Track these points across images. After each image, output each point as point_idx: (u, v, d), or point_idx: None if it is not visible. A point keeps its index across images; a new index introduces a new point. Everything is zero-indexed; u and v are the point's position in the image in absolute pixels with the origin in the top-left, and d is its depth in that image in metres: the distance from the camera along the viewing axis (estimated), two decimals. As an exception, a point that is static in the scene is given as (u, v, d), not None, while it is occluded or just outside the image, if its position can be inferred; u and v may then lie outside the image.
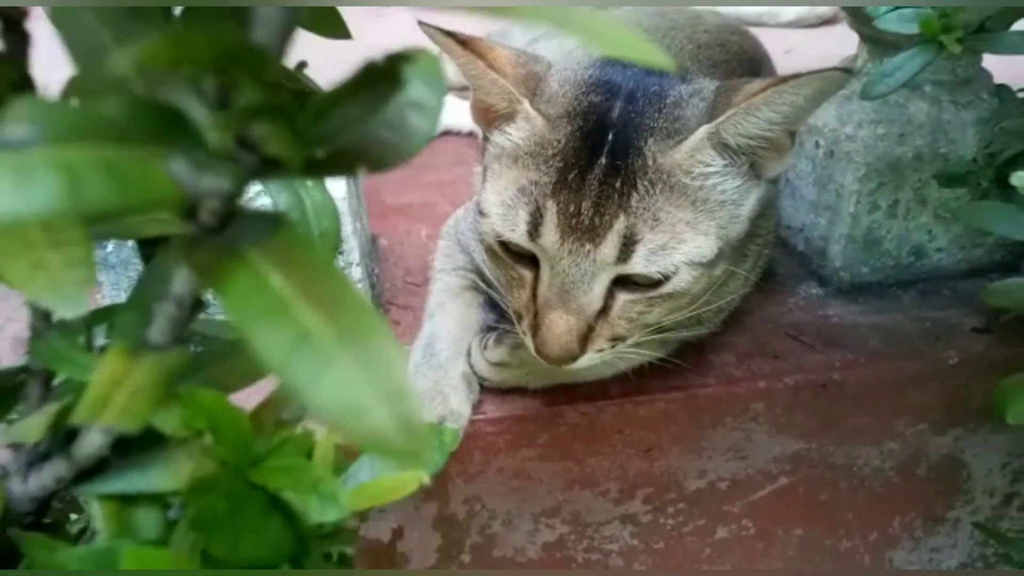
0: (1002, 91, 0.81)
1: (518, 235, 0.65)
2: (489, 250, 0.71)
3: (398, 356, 0.17)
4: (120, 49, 0.15)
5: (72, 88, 0.21)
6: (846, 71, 0.54)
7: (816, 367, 0.85)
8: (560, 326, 0.65)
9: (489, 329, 0.84)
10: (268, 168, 0.18)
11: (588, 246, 0.63)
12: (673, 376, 0.83)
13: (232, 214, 0.19)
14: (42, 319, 0.28)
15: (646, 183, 0.62)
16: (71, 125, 0.15)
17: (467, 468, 0.83)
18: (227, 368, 0.28)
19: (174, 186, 0.16)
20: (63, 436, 0.27)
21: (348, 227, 0.82)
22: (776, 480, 0.90)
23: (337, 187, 0.80)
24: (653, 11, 1.09)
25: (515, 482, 0.85)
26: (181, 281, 0.22)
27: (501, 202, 0.66)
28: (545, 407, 0.81)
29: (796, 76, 0.58)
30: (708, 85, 0.67)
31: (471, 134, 1.33)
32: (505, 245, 0.68)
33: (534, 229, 0.64)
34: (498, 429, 0.82)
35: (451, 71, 0.68)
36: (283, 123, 0.17)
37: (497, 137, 0.69)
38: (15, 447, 0.29)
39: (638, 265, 0.62)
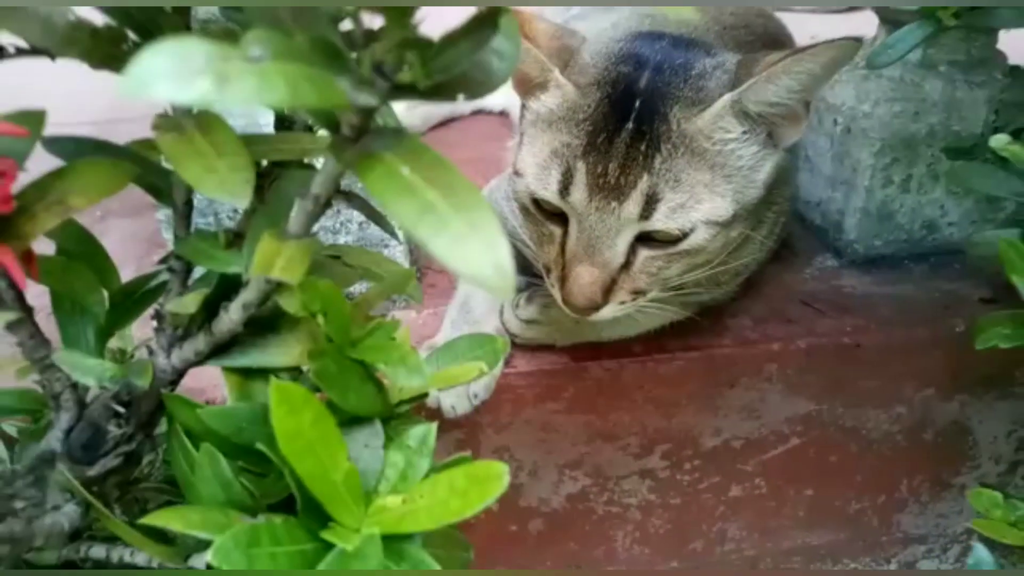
0: (1016, 71, 0.88)
1: (550, 193, 0.73)
2: (523, 208, 0.78)
3: (494, 220, 0.25)
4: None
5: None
6: (857, 40, 0.61)
7: (828, 331, 0.93)
8: (585, 278, 0.72)
9: (520, 291, 0.92)
10: (399, 91, 0.26)
11: (614, 204, 0.70)
12: (692, 336, 0.91)
13: (365, 128, 0.27)
14: (184, 227, 0.36)
15: (669, 147, 0.70)
16: (284, 50, 0.23)
17: (498, 419, 0.91)
18: (332, 273, 0.36)
19: (344, 97, 0.24)
20: (203, 318, 0.36)
21: (391, 191, 0.90)
22: (788, 441, 0.98)
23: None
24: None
25: (541, 434, 0.92)
26: (319, 183, 0.30)
27: (536, 163, 0.74)
28: (571, 363, 0.89)
29: (813, 46, 0.66)
30: (731, 58, 0.75)
31: (503, 113, 1.41)
32: (538, 203, 0.75)
33: (565, 188, 0.72)
34: (527, 382, 0.89)
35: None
36: (414, 58, 0.25)
37: (533, 104, 0.77)
38: (159, 331, 0.37)
39: (659, 222, 0.70)
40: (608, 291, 0.73)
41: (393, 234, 0.44)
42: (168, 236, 0.90)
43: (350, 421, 0.35)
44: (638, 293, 0.75)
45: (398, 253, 0.94)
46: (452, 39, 0.26)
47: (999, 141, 0.56)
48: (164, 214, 0.79)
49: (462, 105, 1.38)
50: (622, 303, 0.75)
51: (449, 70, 0.26)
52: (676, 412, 0.94)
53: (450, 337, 0.86)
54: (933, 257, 1.01)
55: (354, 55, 0.26)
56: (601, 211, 0.71)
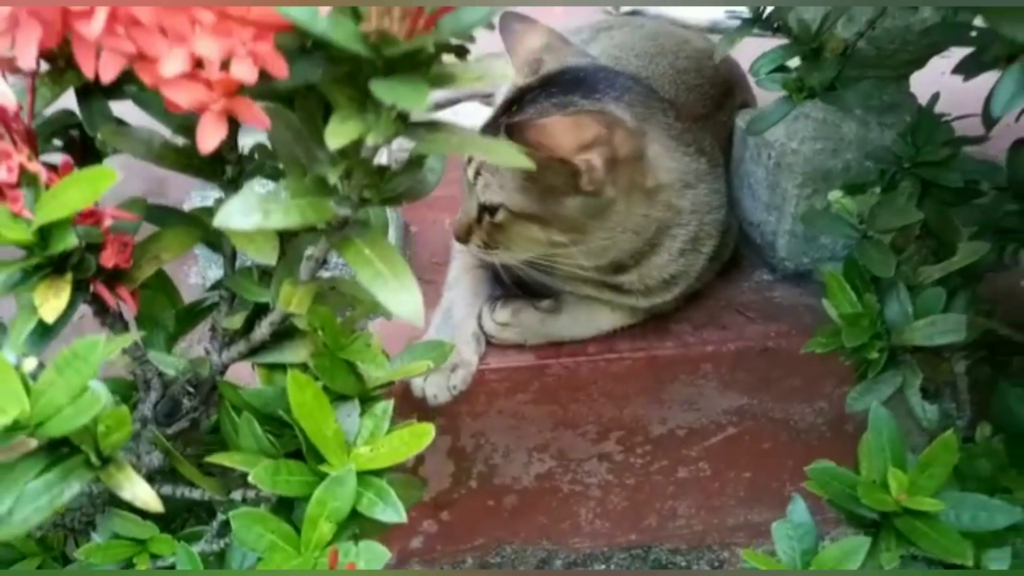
0: (920, 112, 1.08)
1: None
2: None
3: (413, 280, 0.45)
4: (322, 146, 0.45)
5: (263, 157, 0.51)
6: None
7: (755, 336, 1.13)
8: (460, 218, 1.01)
9: (495, 298, 1.14)
10: (364, 202, 0.47)
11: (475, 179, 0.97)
12: (639, 339, 1.12)
13: (346, 222, 0.48)
14: (231, 268, 0.58)
15: None
16: (298, 188, 0.44)
17: (474, 408, 1.12)
18: (328, 300, 0.57)
19: (332, 212, 0.45)
20: (243, 329, 0.57)
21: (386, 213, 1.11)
22: (725, 429, 1.19)
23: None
24: (646, 36, 1.37)
25: (512, 421, 1.14)
26: (318, 250, 0.51)
27: None
28: (536, 360, 1.10)
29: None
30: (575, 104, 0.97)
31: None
32: None
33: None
34: (499, 377, 1.11)
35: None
36: (373, 186, 0.46)
37: None
38: (213, 338, 0.59)
39: (478, 193, 0.96)
40: (468, 232, 1.00)
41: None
42: (198, 252, 1.11)
43: (338, 398, 0.56)
44: (488, 245, 1.00)
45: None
46: (398, 172, 0.47)
47: (833, 195, 0.76)
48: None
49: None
50: (478, 245, 1.01)
51: (395, 190, 0.47)
52: (627, 404, 1.15)
53: (435, 338, 1.08)
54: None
55: (337, 182, 0.47)
56: (471, 185, 0.98)
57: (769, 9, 0.82)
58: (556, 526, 1.26)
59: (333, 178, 0.42)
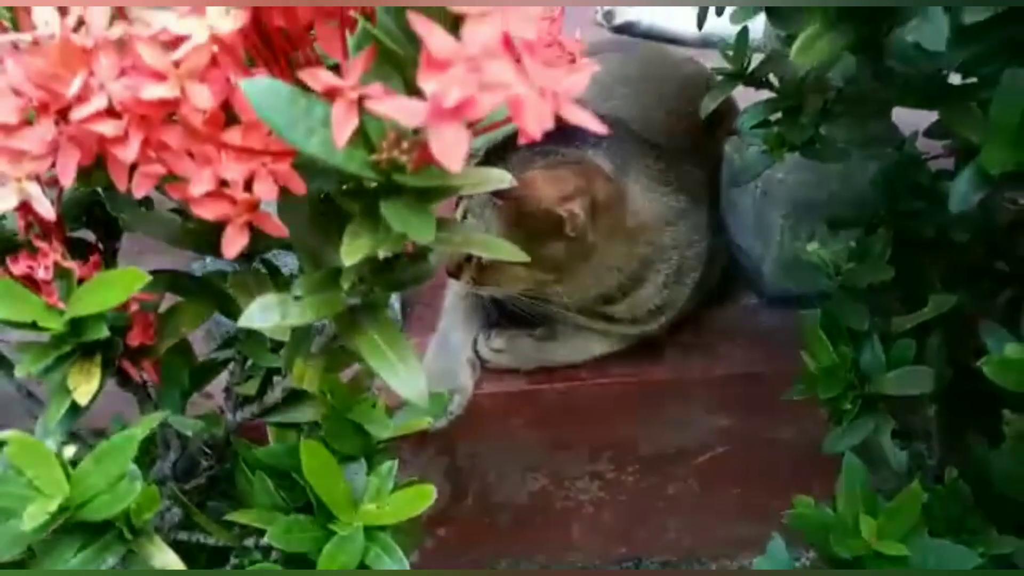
0: (901, 147, 1.13)
1: None
2: None
3: (417, 362, 0.50)
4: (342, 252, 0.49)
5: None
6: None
7: (742, 361, 1.18)
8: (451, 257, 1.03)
9: (492, 324, 1.18)
10: (371, 292, 0.52)
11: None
12: (629, 365, 1.17)
13: (356, 310, 0.53)
14: (247, 333, 0.62)
15: None
16: (312, 286, 0.48)
17: (470, 431, 1.17)
18: (336, 361, 0.62)
19: (343, 305, 0.50)
20: (259, 391, 0.62)
21: (384, 245, 1.16)
22: (714, 449, 1.24)
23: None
24: (635, 62, 1.41)
25: (506, 443, 1.19)
26: (325, 335, 0.56)
27: None
28: (529, 386, 1.16)
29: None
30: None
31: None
32: None
33: None
34: (494, 402, 1.16)
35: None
36: (382, 280, 0.51)
37: None
38: (228, 398, 0.64)
39: None
40: (459, 269, 1.04)
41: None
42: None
43: (346, 458, 0.61)
44: (477, 282, 1.04)
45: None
46: (405, 263, 0.51)
47: (811, 247, 0.81)
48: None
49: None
50: (467, 282, 1.05)
51: (401, 278, 0.52)
52: (617, 425, 1.20)
53: (433, 364, 1.13)
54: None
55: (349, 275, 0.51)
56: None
57: (753, 64, 0.86)
58: (549, 541, 1.31)
59: (347, 284, 0.47)
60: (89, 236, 0.63)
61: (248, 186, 0.45)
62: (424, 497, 0.58)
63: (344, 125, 0.40)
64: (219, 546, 0.66)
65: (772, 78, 0.86)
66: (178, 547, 0.62)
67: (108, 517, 0.45)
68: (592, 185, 0.95)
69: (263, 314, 0.46)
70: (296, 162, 0.45)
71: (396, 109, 0.35)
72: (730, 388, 1.19)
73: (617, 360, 1.17)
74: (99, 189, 0.60)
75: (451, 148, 0.34)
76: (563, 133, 1.04)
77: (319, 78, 0.40)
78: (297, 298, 0.48)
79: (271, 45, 0.46)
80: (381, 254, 0.44)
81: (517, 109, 0.35)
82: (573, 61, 0.66)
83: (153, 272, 0.59)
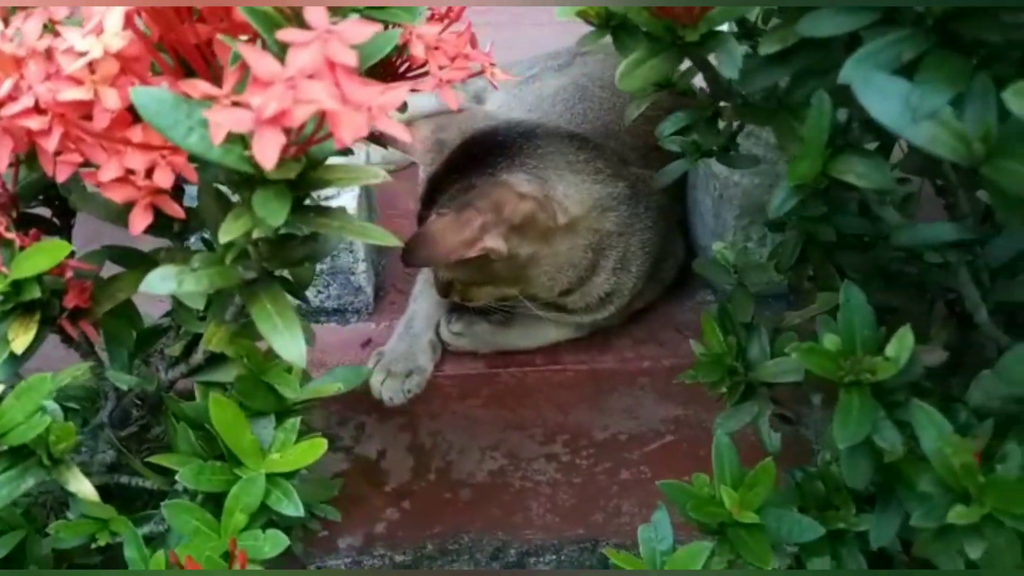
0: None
1: None
2: None
3: (298, 328, 0.60)
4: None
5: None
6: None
7: (689, 353, 1.26)
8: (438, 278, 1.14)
9: (452, 311, 1.28)
10: (267, 267, 0.62)
11: None
12: (582, 353, 1.26)
13: (253, 281, 0.63)
14: (179, 305, 0.73)
15: None
16: (210, 260, 0.58)
17: (431, 409, 1.27)
18: (253, 331, 0.72)
19: (239, 277, 0.60)
20: (184, 353, 0.72)
21: (356, 232, 1.26)
22: (664, 437, 1.32)
23: (349, 203, 1.24)
24: (615, 66, 1.49)
25: (465, 422, 1.28)
26: (235, 302, 0.66)
27: None
28: (487, 369, 1.25)
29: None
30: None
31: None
32: None
33: None
34: (453, 383, 1.25)
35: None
36: (275, 256, 0.60)
37: None
38: (161, 359, 0.74)
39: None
40: (447, 292, 1.16)
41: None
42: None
43: (257, 414, 0.71)
44: (464, 299, 1.16)
45: (363, 278, 1.30)
46: (298, 243, 0.61)
47: (716, 247, 0.90)
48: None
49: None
50: (456, 299, 1.17)
51: (295, 256, 0.62)
52: (571, 410, 1.29)
53: (395, 346, 1.24)
54: (791, 296, 1.34)
55: (250, 250, 0.61)
56: None
57: (677, 75, 0.95)
58: (509, 519, 1.40)
59: (229, 258, 0.57)
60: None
61: (149, 174, 0.55)
62: (317, 448, 0.69)
63: (221, 127, 0.50)
64: (155, 489, 0.76)
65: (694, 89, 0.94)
66: (119, 489, 0.73)
67: (25, 443, 0.56)
68: (503, 211, 1.04)
69: (162, 281, 0.56)
70: (191, 156, 0.55)
71: (228, 118, 0.45)
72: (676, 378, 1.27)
73: (570, 348, 1.26)
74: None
75: (268, 149, 0.44)
76: (482, 161, 1.14)
77: (197, 87, 0.50)
78: (194, 269, 0.58)
79: (179, 57, 0.57)
80: (255, 234, 0.54)
81: (332, 121, 0.45)
82: (483, 71, 0.76)
83: (105, 247, 0.70)
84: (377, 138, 0.74)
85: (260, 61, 0.44)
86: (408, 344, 1.24)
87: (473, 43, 0.76)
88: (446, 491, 1.36)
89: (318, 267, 1.27)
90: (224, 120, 0.45)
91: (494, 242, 1.03)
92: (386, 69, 0.75)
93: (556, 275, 1.15)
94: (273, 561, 0.70)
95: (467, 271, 1.10)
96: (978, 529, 0.57)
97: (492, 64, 0.76)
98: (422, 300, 1.31)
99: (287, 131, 0.45)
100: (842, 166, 0.60)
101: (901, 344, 0.61)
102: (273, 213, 0.51)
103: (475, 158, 1.12)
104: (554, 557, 1.44)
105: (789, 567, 0.85)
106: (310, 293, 1.27)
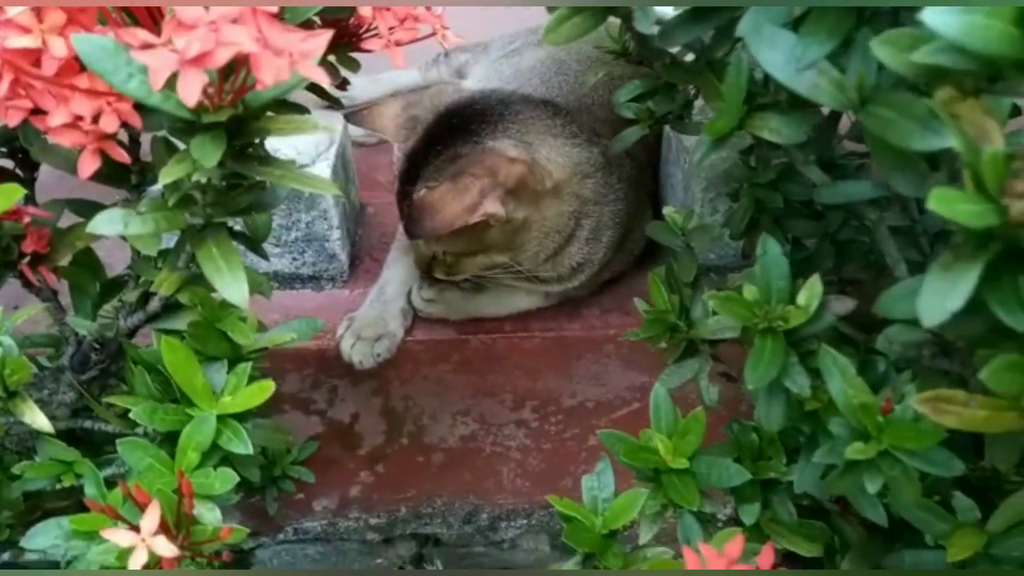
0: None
1: None
2: None
3: (242, 272, 0.63)
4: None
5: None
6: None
7: (654, 322, 1.30)
8: (415, 259, 1.20)
9: (424, 278, 1.32)
10: (212, 215, 0.65)
11: None
12: (550, 320, 1.30)
13: (200, 227, 0.66)
14: (138, 255, 0.77)
15: None
16: (157, 206, 0.62)
17: (401, 374, 1.31)
18: (203, 283, 0.76)
19: (184, 222, 0.63)
20: (142, 302, 0.76)
21: (330, 200, 1.29)
22: (631, 404, 1.36)
23: (323, 171, 1.28)
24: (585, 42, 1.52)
25: (437, 387, 1.32)
26: (185, 248, 0.70)
27: None
28: (457, 335, 1.29)
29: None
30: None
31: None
32: None
33: None
34: (423, 347, 1.29)
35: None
36: (220, 203, 0.64)
37: None
38: (121, 307, 0.78)
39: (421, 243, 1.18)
40: (428, 268, 1.21)
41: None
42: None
43: (210, 359, 0.75)
44: (449, 273, 1.20)
45: (337, 245, 1.34)
46: (243, 191, 0.65)
47: (667, 210, 0.93)
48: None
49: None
50: (439, 275, 1.22)
51: (240, 204, 0.66)
52: (539, 377, 1.33)
53: (366, 312, 1.27)
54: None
55: (197, 196, 0.65)
56: None
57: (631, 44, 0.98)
58: (481, 483, 1.44)
59: (172, 200, 0.60)
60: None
61: (96, 120, 0.58)
62: (264, 390, 0.72)
63: (159, 73, 0.53)
64: (118, 433, 0.80)
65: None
66: (85, 435, 0.77)
67: (-22, 373, 0.60)
68: (498, 176, 1.08)
69: (108, 223, 0.60)
70: (136, 103, 0.58)
71: (154, 58, 0.48)
72: (643, 346, 1.30)
73: (539, 316, 1.30)
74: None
75: (190, 87, 0.48)
76: (464, 131, 1.17)
77: (136, 36, 0.53)
78: (140, 213, 0.61)
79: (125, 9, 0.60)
80: (194, 178, 0.58)
81: (254, 64, 0.48)
82: (434, 33, 0.79)
83: (68, 200, 0.74)
84: (320, 89, 0.77)
85: (186, 8, 0.47)
86: (379, 310, 1.28)
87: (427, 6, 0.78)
88: (419, 455, 1.40)
89: (293, 234, 1.31)
90: (150, 61, 0.48)
91: (493, 207, 1.07)
92: (340, 30, 0.78)
93: (544, 240, 1.19)
94: (250, 524, 0.74)
95: (463, 241, 1.13)
96: (876, 464, 0.61)
97: (444, 27, 0.79)
98: (395, 268, 1.35)
99: (222, 77, 0.48)
100: (759, 122, 0.63)
101: (811, 293, 0.64)
102: (207, 155, 0.55)
103: (456, 128, 1.15)
104: (525, 521, 1.47)
105: (729, 519, 0.89)
106: (286, 260, 1.31)
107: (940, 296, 0.41)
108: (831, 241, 1.00)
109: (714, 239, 1.37)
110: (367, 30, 0.76)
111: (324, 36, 0.51)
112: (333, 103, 0.84)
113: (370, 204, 1.55)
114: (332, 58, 0.81)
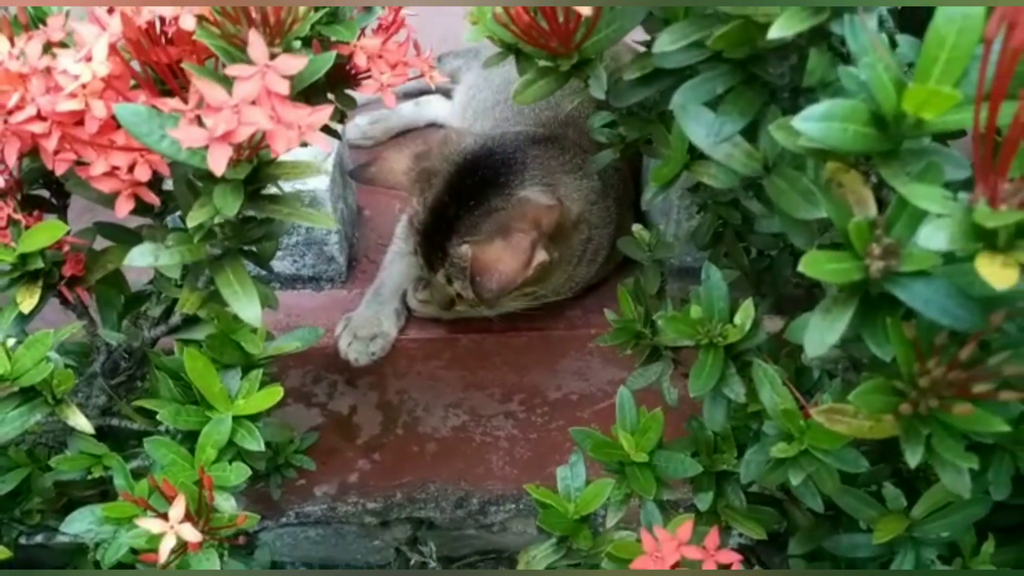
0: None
1: None
2: None
3: (256, 297, 0.75)
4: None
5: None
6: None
7: (632, 321, 1.41)
8: (437, 298, 1.28)
9: (419, 279, 1.43)
10: (228, 249, 0.76)
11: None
12: (536, 320, 1.42)
13: (221, 255, 0.78)
14: (159, 275, 0.88)
15: None
16: (182, 239, 0.73)
17: (397, 370, 1.42)
18: (218, 299, 0.87)
19: (205, 253, 0.74)
20: (164, 316, 0.88)
21: (329, 206, 1.40)
22: (610, 396, 1.46)
23: (321, 181, 1.39)
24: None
25: (429, 382, 1.44)
26: (205, 273, 0.81)
27: None
28: (448, 333, 1.41)
29: None
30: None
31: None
32: None
33: None
34: (417, 345, 1.41)
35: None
36: (236, 236, 0.75)
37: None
38: (145, 319, 0.90)
39: (456, 288, 1.26)
40: (451, 305, 1.30)
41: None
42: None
43: (226, 366, 0.87)
44: (473, 307, 1.29)
45: (335, 248, 1.45)
46: (255, 225, 0.76)
47: (635, 227, 1.05)
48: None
49: (418, 119, 1.85)
50: (463, 309, 1.31)
51: (253, 236, 0.77)
52: (526, 372, 1.44)
53: (362, 312, 1.39)
54: (731, 269, 1.48)
55: (216, 229, 0.76)
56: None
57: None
58: (472, 470, 1.56)
59: (197, 238, 0.72)
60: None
61: (131, 170, 0.70)
62: (273, 395, 0.84)
63: (191, 147, 0.64)
64: (142, 431, 0.92)
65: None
66: (112, 432, 0.89)
67: (33, 384, 0.71)
68: (541, 226, 1.18)
69: (141, 256, 0.72)
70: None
71: (188, 136, 0.59)
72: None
73: (525, 316, 1.41)
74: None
75: (218, 160, 0.59)
76: (493, 184, 1.27)
77: (167, 104, 0.65)
78: (168, 247, 0.73)
79: (153, 73, 0.71)
80: (217, 220, 0.69)
81: (269, 137, 0.60)
82: (422, 75, 0.90)
83: (96, 224, 0.86)
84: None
85: (212, 91, 0.59)
86: (375, 311, 1.39)
87: (417, 49, 0.89)
88: (413, 445, 1.52)
89: (294, 238, 1.42)
90: (185, 138, 0.59)
91: (543, 256, 1.18)
92: (340, 74, 0.89)
93: (566, 268, 1.31)
94: (255, 509, 0.86)
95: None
96: (798, 461, 0.73)
97: (431, 67, 0.90)
98: (391, 270, 1.46)
99: (238, 145, 0.60)
100: (700, 168, 0.75)
101: (745, 314, 0.76)
102: (229, 205, 0.66)
103: (484, 181, 1.25)
104: (513, 506, 1.60)
105: (691, 505, 1.00)
106: (287, 263, 1.42)
107: (821, 333, 0.53)
108: (790, 252, 1.11)
109: (690, 243, 1.48)
110: (363, 74, 0.87)
111: (326, 111, 0.62)
112: (333, 135, 0.96)
113: (367, 208, 1.66)
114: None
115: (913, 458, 0.55)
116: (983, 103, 0.44)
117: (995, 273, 0.43)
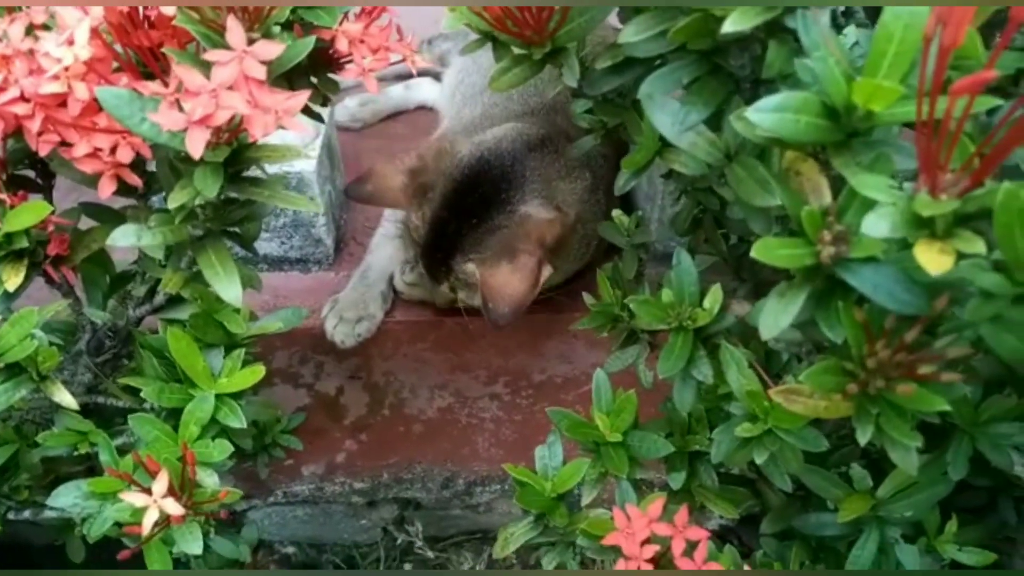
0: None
1: None
2: None
3: (236, 277, 0.77)
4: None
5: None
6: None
7: (617, 305, 1.44)
8: (438, 300, 1.33)
9: (406, 262, 1.45)
10: (210, 231, 0.79)
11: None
12: (520, 303, 1.43)
13: (202, 237, 0.80)
14: (144, 255, 0.90)
15: None
16: (163, 219, 0.75)
17: (383, 352, 1.45)
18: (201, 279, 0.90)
19: (188, 234, 0.77)
20: (149, 295, 0.90)
21: (316, 189, 1.42)
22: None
23: (308, 163, 1.41)
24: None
25: (416, 364, 1.47)
26: (188, 253, 0.83)
27: None
28: (434, 316, 1.43)
29: None
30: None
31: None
32: None
33: None
34: (403, 327, 1.43)
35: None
36: (217, 217, 0.78)
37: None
38: (129, 298, 0.92)
39: (462, 298, 1.31)
40: (452, 303, 1.32)
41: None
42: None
43: (209, 345, 0.89)
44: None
45: (322, 230, 1.48)
46: (236, 207, 0.78)
47: (616, 213, 1.07)
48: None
49: (407, 101, 1.87)
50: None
51: (234, 218, 0.79)
52: (511, 355, 1.47)
53: (348, 294, 1.41)
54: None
55: (198, 211, 0.79)
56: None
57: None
58: (458, 451, 1.59)
59: (178, 219, 0.74)
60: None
61: (113, 151, 0.72)
62: (256, 374, 0.87)
63: (170, 130, 0.66)
64: (128, 408, 0.95)
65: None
66: (98, 409, 0.92)
67: (18, 360, 0.74)
68: (544, 243, 1.22)
69: (124, 236, 0.74)
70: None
71: (168, 119, 0.61)
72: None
73: (509, 298, 1.43)
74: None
75: (196, 143, 0.61)
76: (494, 200, 1.29)
77: (148, 87, 0.67)
78: (151, 227, 0.75)
79: (135, 56, 0.73)
80: (198, 200, 0.72)
81: (246, 121, 0.62)
82: (404, 60, 0.92)
83: (81, 204, 0.88)
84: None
85: (190, 76, 0.61)
86: (361, 293, 1.42)
87: (400, 34, 0.91)
88: (400, 425, 1.55)
89: (281, 220, 1.44)
90: (164, 121, 0.62)
91: (548, 270, 1.22)
92: (323, 58, 0.90)
93: (563, 266, 1.33)
94: (243, 488, 0.89)
95: None
96: (762, 441, 0.75)
97: (413, 52, 0.92)
98: (378, 253, 1.48)
99: (216, 128, 0.62)
100: (671, 156, 0.77)
101: (714, 298, 0.79)
102: (208, 187, 0.68)
103: (485, 197, 1.27)
104: (499, 486, 1.63)
105: (665, 484, 1.03)
106: (274, 244, 1.44)
107: (775, 316, 0.55)
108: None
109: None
110: (345, 59, 0.89)
111: (303, 96, 0.64)
112: (316, 119, 0.98)
113: (355, 189, 1.68)
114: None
115: (863, 436, 0.57)
116: (925, 97, 0.46)
117: (932, 259, 0.46)
